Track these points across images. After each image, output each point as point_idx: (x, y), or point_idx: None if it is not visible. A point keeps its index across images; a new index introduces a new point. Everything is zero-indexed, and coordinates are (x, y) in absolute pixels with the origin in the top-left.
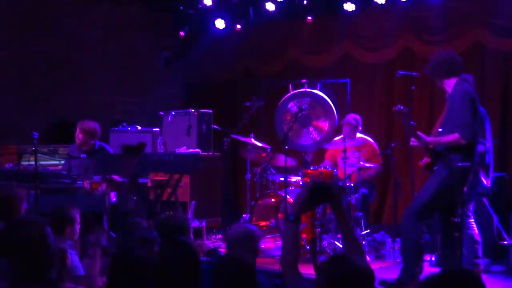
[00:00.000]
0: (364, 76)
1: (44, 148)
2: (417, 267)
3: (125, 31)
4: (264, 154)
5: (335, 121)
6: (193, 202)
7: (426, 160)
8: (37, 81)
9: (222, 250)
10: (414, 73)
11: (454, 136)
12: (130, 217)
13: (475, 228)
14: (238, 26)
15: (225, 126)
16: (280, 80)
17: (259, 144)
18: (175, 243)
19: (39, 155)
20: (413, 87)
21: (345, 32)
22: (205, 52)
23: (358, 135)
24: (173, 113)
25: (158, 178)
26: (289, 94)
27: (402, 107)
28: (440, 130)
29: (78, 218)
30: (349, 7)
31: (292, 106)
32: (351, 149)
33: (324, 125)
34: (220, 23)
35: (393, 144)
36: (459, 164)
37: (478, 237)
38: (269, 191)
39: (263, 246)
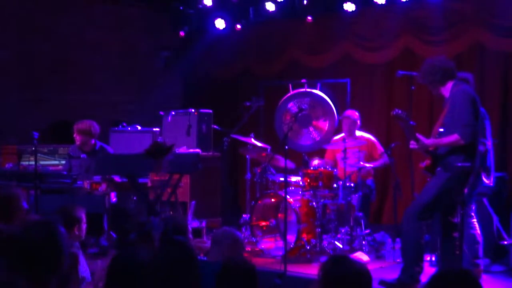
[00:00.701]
0: (364, 76)
1: (44, 148)
2: (417, 267)
3: (125, 31)
4: (264, 154)
5: (335, 121)
6: (193, 202)
7: (427, 162)
8: (37, 81)
9: None
10: (414, 73)
11: (453, 137)
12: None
13: (477, 228)
14: (238, 26)
15: (225, 126)
16: (280, 80)
17: (259, 144)
18: (174, 242)
19: (39, 155)
20: (413, 87)
21: (345, 32)
22: (205, 52)
23: (359, 133)
24: (173, 113)
25: (158, 178)
26: (289, 94)
27: (399, 111)
28: (441, 130)
29: (84, 217)
30: (349, 7)
31: (292, 106)
32: (351, 149)
33: (324, 125)
34: (220, 23)
35: (393, 145)
36: (460, 164)
37: (479, 237)
38: (269, 191)
39: (263, 246)
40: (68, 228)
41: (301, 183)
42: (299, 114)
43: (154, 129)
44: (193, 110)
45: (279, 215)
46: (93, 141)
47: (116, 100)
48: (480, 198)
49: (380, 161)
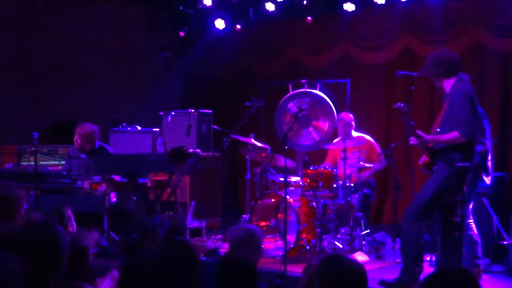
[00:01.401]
0: (364, 76)
1: (44, 148)
2: (417, 267)
3: (125, 31)
4: (264, 154)
5: (335, 121)
6: (193, 202)
7: (424, 159)
8: (37, 81)
9: (223, 250)
10: (414, 73)
11: (453, 134)
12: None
13: (474, 229)
14: (238, 26)
15: (225, 126)
16: (280, 80)
17: (259, 144)
18: (174, 242)
19: (39, 155)
20: (413, 87)
21: (345, 32)
22: (205, 52)
23: (356, 134)
24: (173, 113)
25: (158, 178)
26: (289, 94)
27: (402, 105)
28: (438, 130)
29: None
30: (349, 7)
31: (292, 106)
32: (351, 149)
33: (324, 125)
34: (220, 23)
35: (392, 145)
36: (459, 164)
37: (477, 238)
38: (269, 191)
39: (263, 246)
40: (64, 227)
41: (301, 183)
42: (299, 114)
43: (154, 129)
44: (193, 110)
45: (279, 215)
46: (90, 144)
47: (116, 100)
48: (479, 198)
49: (376, 166)
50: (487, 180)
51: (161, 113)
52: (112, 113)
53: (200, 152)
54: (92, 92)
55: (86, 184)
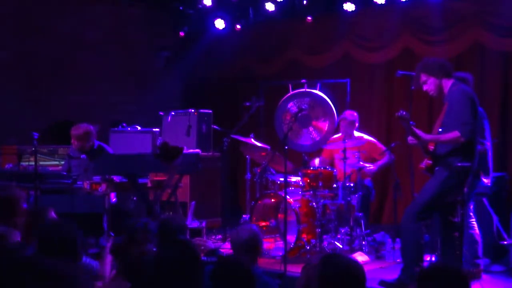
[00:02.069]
0: (364, 76)
1: (44, 148)
2: (417, 267)
3: (125, 31)
4: (264, 154)
5: (335, 121)
6: (193, 202)
7: (426, 162)
8: (37, 81)
9: (223, 250)
10: (414, 73)
11: (454, 134)
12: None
13: (476, 228)
14: (238, 26)
15: (225, 126)
16: (280, 80)
17: (259, 144)
18: (176, 242)
19: (39, 155)
20: (413, 87)
21: (345, 32)
22: (204, 52)
23: (358, 134)
24: (173, 113)
25: (158, 178)
26: (289, 94)
27: (404, 112)
28: (440, 130)
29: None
30: (349, 7)
31: (292, 106)
32: (350, 149)
33: (324, 125)
34: (220, 23)
35: (393, 145)
36: (459, 164)
37: (478, 237)
38: (269, 191)
39: (263, 247)
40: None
41: (301, 183)
42: (299, 114)
43: (154, 130)
44: (193, 110)
45: (279, 215)
46: (89, 144)
47: (116, 100)
48: (479, 198)
49: (383, 160)
50: (486, 180)
51: (161, 113)
52: (112, 113)
53: (200, 152)
54: (92, 92)
55: (86, 184)
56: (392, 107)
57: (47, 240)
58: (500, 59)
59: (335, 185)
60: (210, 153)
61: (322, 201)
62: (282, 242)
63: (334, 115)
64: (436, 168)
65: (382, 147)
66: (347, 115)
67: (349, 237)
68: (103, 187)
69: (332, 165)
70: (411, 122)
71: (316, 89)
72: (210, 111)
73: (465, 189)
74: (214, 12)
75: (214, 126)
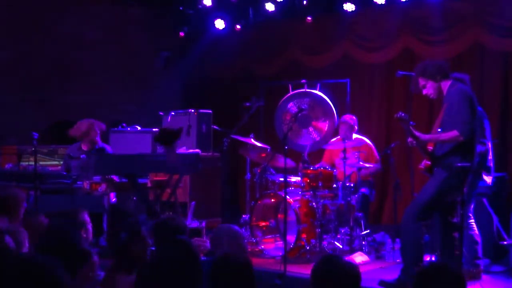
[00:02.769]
0: (364, 76)
1: (44, 148)
2: (417, 267)
3: (125, 31)
4: (264, 154)
5: (335, 121)
6: (193, 202)
7: (425, 162)
8: (37, 81)
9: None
10: (414, 74)
11: (453, 133)
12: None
13: (475, 229)
14: (238, 26)
15: (225, 126)
16: (280, 80)
17: (258, 144)
18: (175, 242)
19: (38, 155)
20: (412, 91)
21: (345, 32)
22: (204, 52)
23: (355, 136)
24: (173, 113)
25: (158, 178)
26: (288, 94)
27: (403, 114)
28: (439, 130)
29: (88, 218)
30: (349, 7)
31: (292, 106)
32: (350, 150)
33: (324, 125)
34: (220, 23)
35: (392, 145)
36: (459, 164)
37: (477, 238)
38: (269, 192)
39: (263, 247)
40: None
41: (301, 183)
42: (299, 114)
43: (154, 129)
44: (192, 110)
45: (279, 215)
46: (97, 138)
47: (116, 100)
48: (479, 198)
49: (374, 167)
50: (488, 179)
51: (161, 113)
52: (112, 113)
53: (200, 152)
54: (92, 92)
55: (86, 184)
56: (392, 107)
57: (47, 241)
58: (500, 59)
59: (335, 185)
60: (210, 153)
61: (322, 201)
62: (282, 242)
63: (334, 115)
64: (436, 169)
65: (376, 155)
66: (347, 119)
67: (349, 237)
68: (103, 187)
69: (333, 167)
70: (411, 123)
71: (316, 89)
72: (210, 111)
73: (465, 189)
74: (214, 12)
75: (214, 126)
